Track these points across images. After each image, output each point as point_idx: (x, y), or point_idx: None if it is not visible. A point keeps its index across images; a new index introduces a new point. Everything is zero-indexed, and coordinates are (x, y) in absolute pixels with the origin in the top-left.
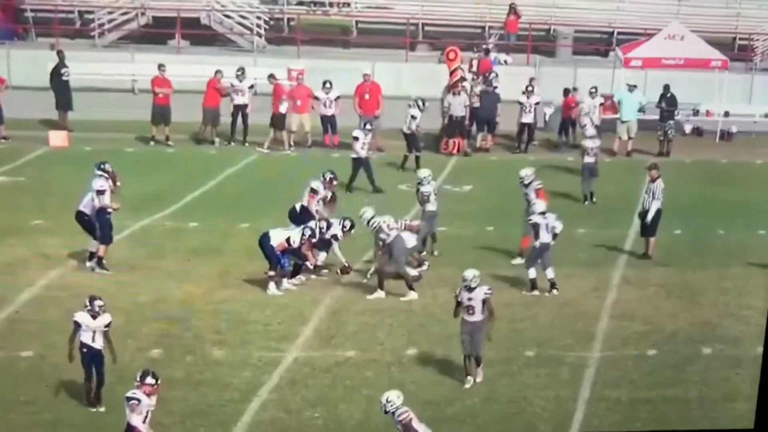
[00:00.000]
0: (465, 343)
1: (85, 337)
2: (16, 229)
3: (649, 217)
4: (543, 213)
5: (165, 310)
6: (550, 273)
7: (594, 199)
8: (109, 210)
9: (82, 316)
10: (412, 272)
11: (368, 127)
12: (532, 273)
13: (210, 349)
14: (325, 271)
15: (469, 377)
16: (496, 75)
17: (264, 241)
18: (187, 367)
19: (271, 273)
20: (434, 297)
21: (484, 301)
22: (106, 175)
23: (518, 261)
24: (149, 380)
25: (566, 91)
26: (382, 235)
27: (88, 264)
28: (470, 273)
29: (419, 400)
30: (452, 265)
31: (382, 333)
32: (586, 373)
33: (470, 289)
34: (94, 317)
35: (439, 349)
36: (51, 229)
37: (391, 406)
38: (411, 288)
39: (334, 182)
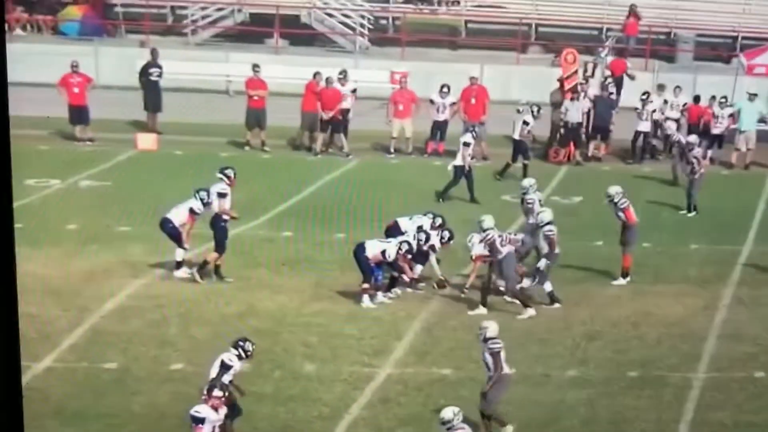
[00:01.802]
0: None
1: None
2: (100, 235)
3: None
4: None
5: (254, 323)
6: (548, 286)
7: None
8: (226, 217)
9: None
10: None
11: (476, 132)
12: (548, 287)
13: (300, 363)
14: (422, 284)
15: None
16: (613, 80)
17: (359, 252)
18: (276, 382)
19: (366, 285)
20: (534, 314)
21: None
22: (227, 180)
23: (620, 282)
24: (216, 392)
25: (696, 99)
26: (494, 250)
27: (176, 273)
28: (486, 324)
29: (516, 421)
30: (557, 281)
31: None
32: (690, 394)
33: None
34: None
35: (538, 368)
36: (137, 237)
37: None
38: (527, 305)
39: (443, 227)
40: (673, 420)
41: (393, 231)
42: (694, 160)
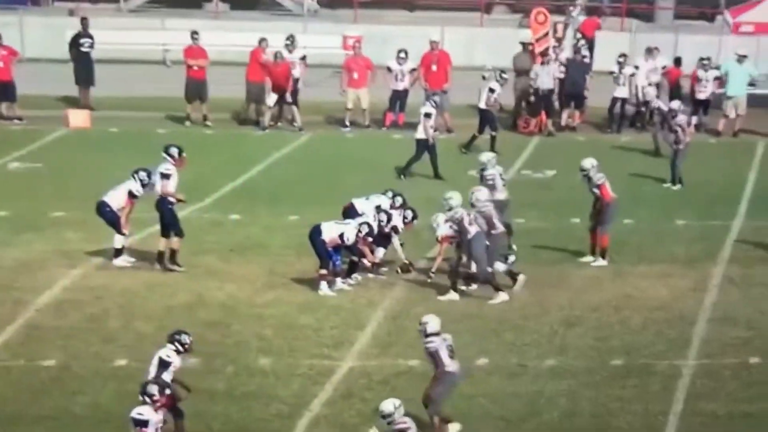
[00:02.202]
0: None
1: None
2: (33, 222)
3: None
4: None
5: (203, 315)
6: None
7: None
8: (172, 200)
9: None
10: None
11: (436, 102)
12: (501, 266)
13: (254, 357)
14: (384, 269)
15: None
16: (586, 41)
17: (314, 236)
18: (229, 378)
19: (323, 272)
20: (509, 299)
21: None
22: (172, 159)
23: (600, 263)
24: (152, 391)
25: (677, 61)
26: (463, 229)
27: (115, 262)
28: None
29: (491, 416)
30: (531, 263)
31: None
32: (679, 383)
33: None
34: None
35: (514, 357)
36: (72, 223)
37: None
38: (499, 290)
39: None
40: (661, 411)
41: (350, 213)
42: (678, 129)
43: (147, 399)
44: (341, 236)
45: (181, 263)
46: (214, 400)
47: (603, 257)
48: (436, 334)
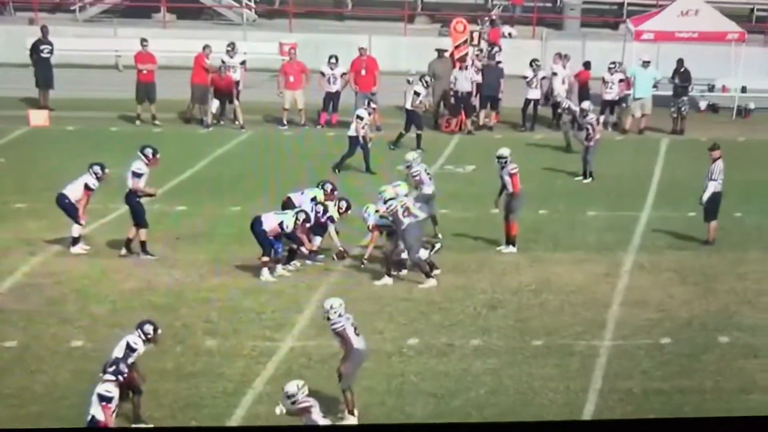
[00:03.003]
0: None
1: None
2: None
3: (704, 197)
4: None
5: (153, 299)
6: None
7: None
8: (140, 194)
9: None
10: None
11: (372, 105)
12: (424, 254)
13: (201, 338)
14: (321, 256)
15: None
16: (500, 49)
17: (256, 225)
18: (178, 358)
19: (265, 259)
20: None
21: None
22: (146, 159)
23: (510, 249)
24: (120, 370)
25: (586, 65)
26: (397, 220)
27: (72, 249)
28: (328, 303)
29: (422, 392)
30: (455, 250)
31: (382, 322)
32: (597, 362)
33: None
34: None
35: (442, 338)
36: (33, 213)
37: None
38: (429, 276)
39: (336, 193)
40: (581, 389)
41: (288, 207)
42: (589, 126)
43: (115, 377)
44: (281, 225)
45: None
46: (164, 378)
47: (513, 245)
48: (340, 315)
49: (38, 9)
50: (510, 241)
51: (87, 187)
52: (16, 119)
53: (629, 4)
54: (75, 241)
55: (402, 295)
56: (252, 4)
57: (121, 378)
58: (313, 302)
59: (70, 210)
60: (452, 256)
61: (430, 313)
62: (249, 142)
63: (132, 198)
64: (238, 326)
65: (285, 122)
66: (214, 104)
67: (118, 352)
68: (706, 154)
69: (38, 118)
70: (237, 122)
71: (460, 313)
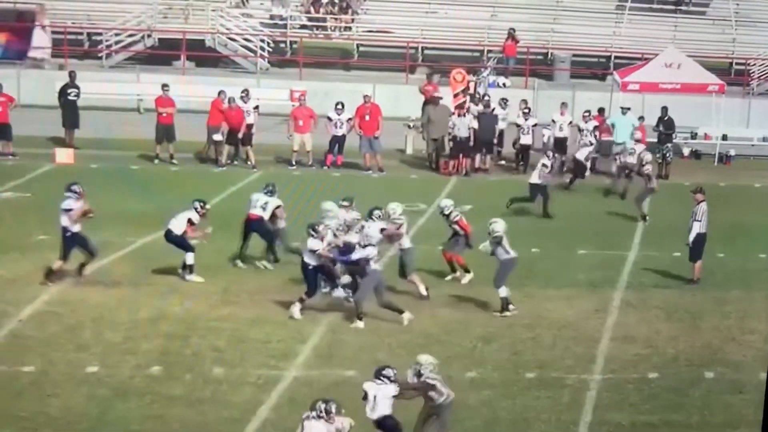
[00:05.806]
0: None
1: None
2: (20, 244)
3: (690, 239)
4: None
5: (165, 327)
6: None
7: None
8: (70, 230)
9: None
10: (423, 291)
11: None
12: (503, 291)
13: (209, 366)
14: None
15: None
16: (489, 97)
17: (306, 267)
18: (187, 385)
19: (305, 296)
20: (433, 317)
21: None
22: (75, 195)
23: (469, 277)
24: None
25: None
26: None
27: (187, 278)
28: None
29: None
30: (452, 284)
31: (382, 353)
32: (588, 395)
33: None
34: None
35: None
36: (54, 245)
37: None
38: (359, 318)
39: (352, 205)
40: (572, 421)
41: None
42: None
43: None
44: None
45: (138, 281)
46: (173, 404)
47: (467, 271)
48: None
49: (68, 56)
50: (464, 268)
51: (190, 222)
52: (43, 156)
53: (616, 57)
54: (190, 269)
55: (402, 328)
56: (265, 54)
57: None
58: (317, 333)
59: (177, 242)
60: (450, 289)
61: (429, 344)
62: (260, 181)
63: (64, 231)
64: (244, 355)
65: (294, 162)
66: (222, 134)
67: None
68: (690, 197)
69: (64, 155)
70: (249, 162)
71: (457, 346)
